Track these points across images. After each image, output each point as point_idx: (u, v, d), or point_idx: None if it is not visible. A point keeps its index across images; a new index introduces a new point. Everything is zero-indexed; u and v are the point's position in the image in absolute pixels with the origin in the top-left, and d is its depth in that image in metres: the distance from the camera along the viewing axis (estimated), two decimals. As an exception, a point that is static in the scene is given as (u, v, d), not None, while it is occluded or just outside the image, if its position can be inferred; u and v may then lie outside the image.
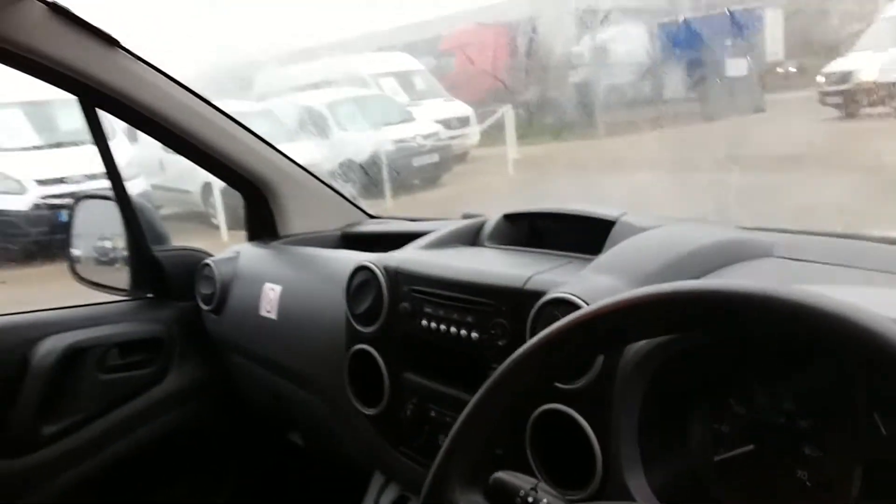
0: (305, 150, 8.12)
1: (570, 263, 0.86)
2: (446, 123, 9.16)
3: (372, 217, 1.54)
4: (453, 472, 0.55)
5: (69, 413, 1.32)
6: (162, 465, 1.48)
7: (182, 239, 1.72)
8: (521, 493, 0.52)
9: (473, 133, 9.50)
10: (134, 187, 1.41)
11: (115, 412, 1.37)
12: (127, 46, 1.21)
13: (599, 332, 0.52)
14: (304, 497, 0.99)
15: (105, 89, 1.21)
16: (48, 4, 1.13)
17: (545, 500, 0.52)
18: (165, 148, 1.38)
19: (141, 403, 1.40)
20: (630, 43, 4.93)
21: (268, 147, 1.43)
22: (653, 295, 0.50)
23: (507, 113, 7.29)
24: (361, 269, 1.01)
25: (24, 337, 1.29)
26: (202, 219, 7.17)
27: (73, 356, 1.31)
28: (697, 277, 0.73)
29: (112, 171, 1.37)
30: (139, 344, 1.41)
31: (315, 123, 8.88)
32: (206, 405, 1.50)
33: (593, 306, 0.52)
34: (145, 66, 1.24)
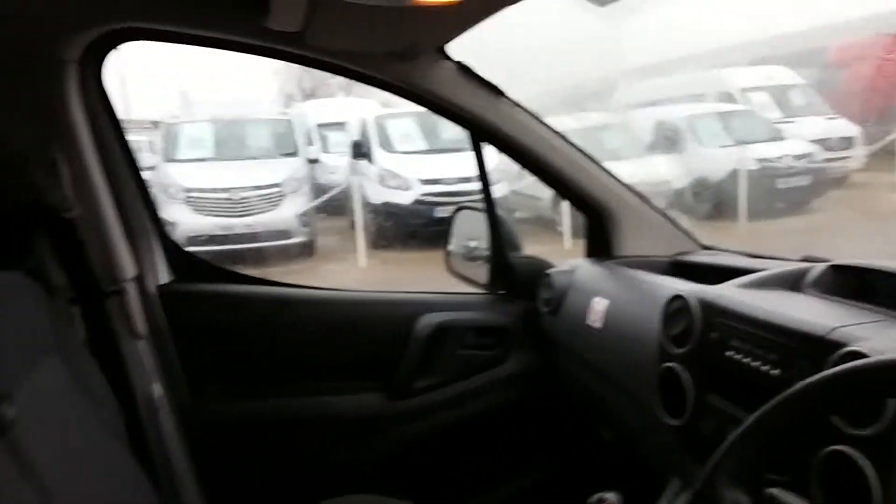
0: (657, 165, 8.08)
1: (887, 321, 0.87)
2: (825, 143, 8.22)
3: (705, 248, 1.63)
4: (726, 470, 0.66)
5: (434, 375, 1.70)
6: (490, 432, 1.78)
7: (529, 240, 1.99)
8: None
9: (858, 156, 8.37)
10: (496, 191, 1.74)
11: (465, 381, 1.71)
12: (509, 96, 1.52)
13: (885, 379, 0.58)
14: (602, 485, 1.14)
15: (489, 127, 1.55)
16: (456, 63, 1.49)
17: None
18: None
19: (485, 378, 1.72)
20: None
21: (611, 178, 1.62)
22: None
23: (904, 135, 6.26)
24: (678, 297, 1.14)
25: (409, 312, 1.70)
26: (548, 225, 7.68)
27: (442, 332, 1.69)
28: None
29: (486, 189, 1.70)
30: (490, 330, 1.73)
31: (670, 138, 8.74)
32: (535, 391, 1.76)
33: (886, 357, 0.58)
34: (521, 110, 1.55)
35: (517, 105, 1.55)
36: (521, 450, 1.80)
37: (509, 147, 1.58)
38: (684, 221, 1.82)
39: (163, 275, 1.62)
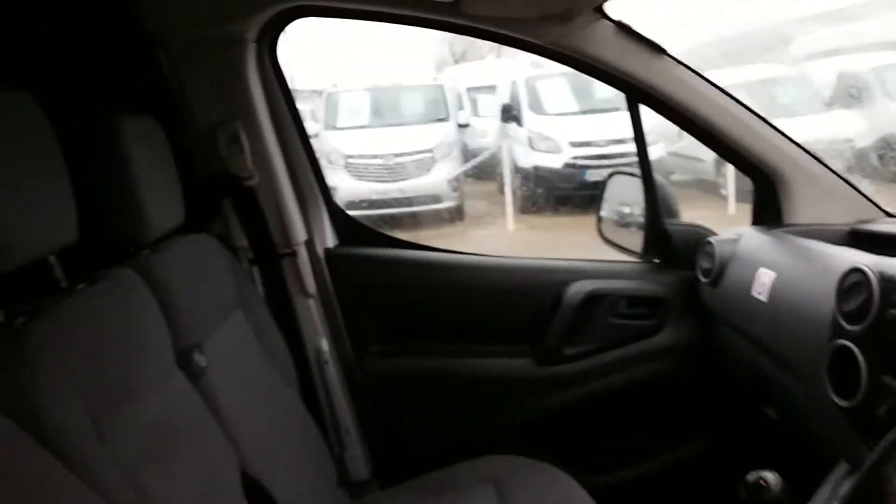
0: (837, 122, 7.31)
1: None
2: None
3: (889, 216, 1.47)
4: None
5: (584, 343, 1.69)
6: (641, 404, 1.75)
7: (689, 205, 1.90)
8: None
9: None
10: (653, 152, 1.67)
11: (616, 351, 1.69)
12: (670, 53, 1.45)
13: None
14: (759, 464, 1.09)
15: (648, 88, 1.48)
16: (615, 23, 1.44)
17: None
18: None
19: (637, 349, 1.69)
20: None
21: (782, 137, 1.50)
22: None
23: None
24: (855, 270, 1.04)
25: (559, 279, 1.70)
26: (710, 188, 7.24)
27: (593, 300, 1.67)
28: None
29: (642, 153, 1.64)
30: (643, 300, 1.69)
31: (854, 91, 7.86)
32: (690, 363, 1.70)
33: None
34: (683, 68, 1.46)
35: (679, 63, 1.47)
36: (672, 423, 1.76)
37: (669, 108, 1.51)
38: (866, 186, 1.65)
39: (329, 239, 1.73)
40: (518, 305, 1.71)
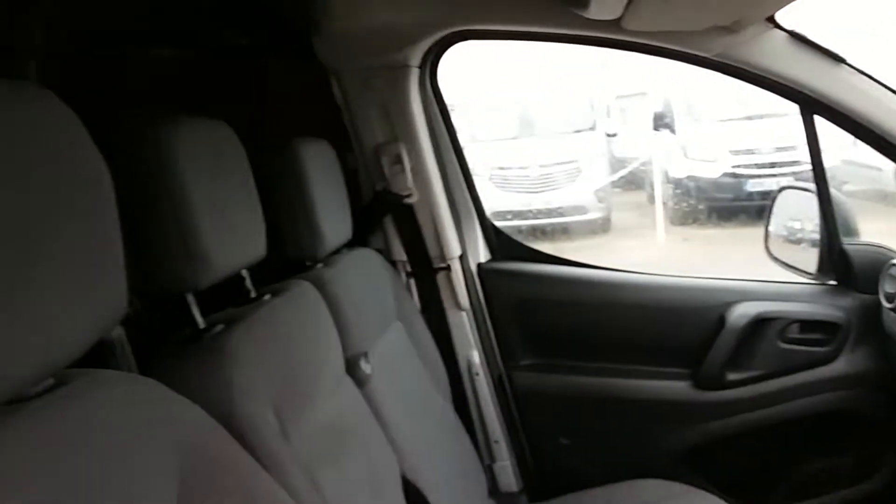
0: None
1: None
2: None
3: None
4: None
5: (750, 368, 1.60)
6: (813, 436, 1.62)
7: (864, 218, 1.76)
8: None
9: None
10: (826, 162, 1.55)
11: (786, 378, 1.58)
12: (849, 62, 1.34)
13: None
14: None
15: (824, 99, 1.38)
16: (788, 32, 1.36)
17: None
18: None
19: (809, 377, 1.57)
20: None
21: None
22: None
23: None
24: None
25: (722, 299, 1.62)
26: (890, 200, 6.55)
27: (760, 323, 1.58)
28: None
29: (817, 167, 1.53)
30: (818, 325, 1.56)
31: None
32: (870, 394, 1.55)
33: None
34: (864, 77, 1.35)
35: (860, 72, 1.36)
36: (849, 457, 1.62)
37: (847, 119, 1.40)
38: None
39: (482, 253, 1.78)
40: (677, 326, 1.65)
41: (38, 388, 0.55)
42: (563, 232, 7.40)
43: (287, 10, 1.50)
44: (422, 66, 1.61)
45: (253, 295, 1.09)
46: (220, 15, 1.48)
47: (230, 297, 1.07)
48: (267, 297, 1.10)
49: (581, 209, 7.54)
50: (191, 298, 0.92)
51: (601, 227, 7.67)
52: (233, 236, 0.96)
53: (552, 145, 7.96)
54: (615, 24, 1.31)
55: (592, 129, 8.37)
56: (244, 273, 1.06)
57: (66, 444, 0.55)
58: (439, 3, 1.44)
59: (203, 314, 0.95)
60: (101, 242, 0.58)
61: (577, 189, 7.62)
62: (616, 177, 8.12)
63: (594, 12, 1.25)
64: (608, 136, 8.46)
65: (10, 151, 0.50)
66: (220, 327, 0.95)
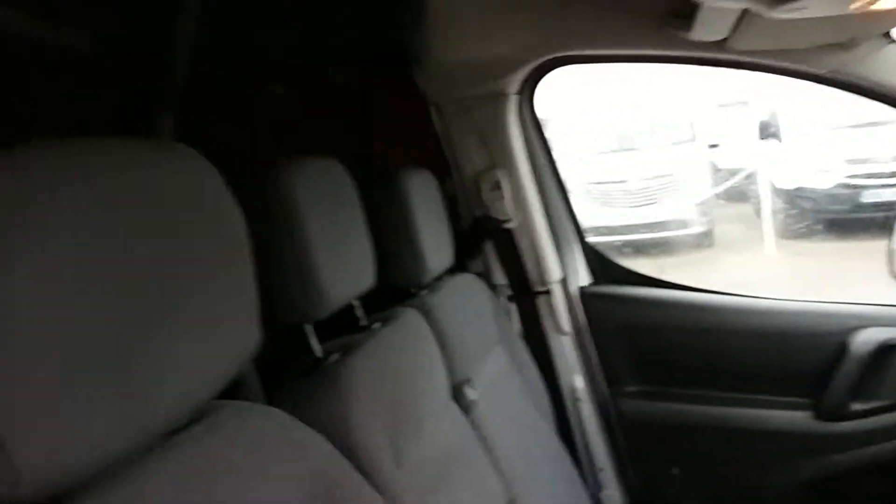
0: None
1: None
2: None
3: None
4: None
5: (875, 398, 1.49)
6: None
7: None
8: None
9: None
10: None
11: None
12: None
13: None
14: None
15: None
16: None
17: None
18: None
19: None
20: None
21: None
22: None
23: None
24: None
25: (844, 325, 1.52)
26: None
27: (887, 349, 1.48)
28: None
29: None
30: None
31: None
32: None
33: None
34: None
35: None
36: None
37: None
38: None
39: (583, 277, 1.76)
40: (795, 353, 1.56)
41: (184, 421, 0.61)
42: (664, 247, 7.18)
43: (389, 46, 1.56)
44: (520, 93, 1.62)
45: (363, 323, 1.14)
46: (326, 51, 1.56)
47: (342, 326, 1.12)
48: (377, 325, 1.14)
49: (683, 223, 7.30)
50: (309, 329, 0.97)
51: (705, 241, 7.39)
52: (346, 268, 1.01)
53: (651, 158, 7.77)
54: (720, 45, 1.28)
55: (692, 140, 8.10)
56: (355, 302, 1.11)
57: (210, 471, 0.60)
58: (538, 32, 1.45)
59: (318, 341, 1.00)
60: (238, 284, 0.63)
61: (679, 202, 7.39)
62: (720, 189, 7.81)
63: (698, 34, 1.23)
64: (710, 146, 8.16)
65: (161, 207, 0.56)
66: (335, 356, 0.99)
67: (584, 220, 1.80)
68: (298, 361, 1.00)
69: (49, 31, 1.00)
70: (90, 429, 0.47)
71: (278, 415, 0.72)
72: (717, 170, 8.24)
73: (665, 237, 7.29)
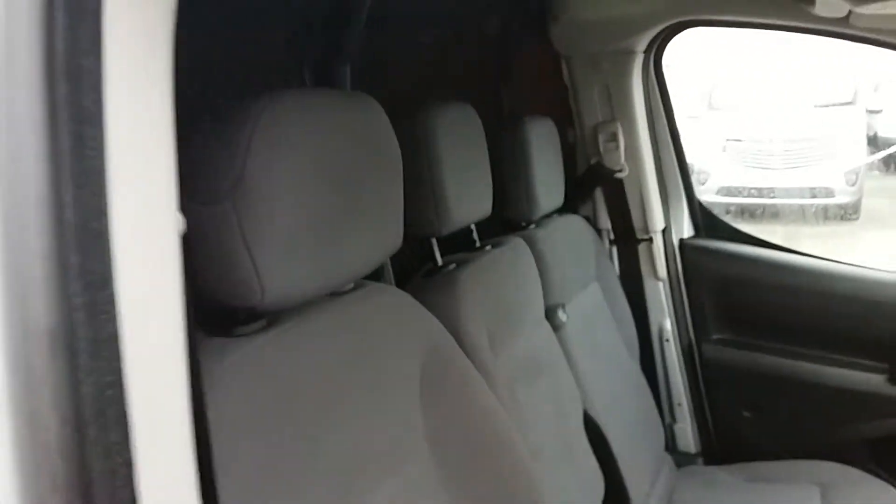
0: None
1: None
2: None
3: None
4: None
5: None
6: None
7: None
8: None
9: None
10: None
11: None
12: None
13: None
14: None
15: None
16: None
17: None
18: None
19: None
20: None
21: None
22: None
23: None
24: None
25: None
26: None
27: None
28: None
29: None
30: None
31: None
32: None
33: None
34: None
35: None
36: None
37: None
38: None
39: (686, 230, 1.89)
40: (878, 319, 1.64)
41: (345, 290, 0.87)
42: (801, 215, 6.81)
43: (529, 1, 1.72)
44: (647, 52, 1.74)
45: (478, 244, 1.36)
46: (474, 3, 1.74)
47: (460, 245, 1.35)
48: (488, 247, 1.37)
49: (827, 192, 6.85)
50: (434, 242, 1.21)
51: (849, 213, 6.92)
52: (469, 197, 1.23)
53: (802, 118, 7.26)
54: (844, 21, 1.34)
55: (852, 103, 7.48)
56: (472, 227, 1.33)
57: (359, 324, 0.86)
58: None
59: (441, 254, 1.25)
60: (393, 197, 0.87)
61: (826, 169, 6.91)
62: (875, 158, 7.24)
63: (820, 10, 1.30)
64: (870, 112, 7.51)
65: (355, 139, 0.81)
66: (452, 266, 1.23)
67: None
68: (423, 268, 1.25)
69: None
70: (305, 272, 0.74)
71: (405, 296, 0.97)
72: (876, 138, 7.62)
73: (805, 204, 6.88)
